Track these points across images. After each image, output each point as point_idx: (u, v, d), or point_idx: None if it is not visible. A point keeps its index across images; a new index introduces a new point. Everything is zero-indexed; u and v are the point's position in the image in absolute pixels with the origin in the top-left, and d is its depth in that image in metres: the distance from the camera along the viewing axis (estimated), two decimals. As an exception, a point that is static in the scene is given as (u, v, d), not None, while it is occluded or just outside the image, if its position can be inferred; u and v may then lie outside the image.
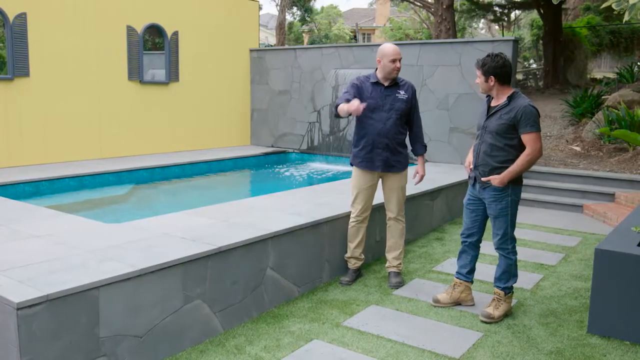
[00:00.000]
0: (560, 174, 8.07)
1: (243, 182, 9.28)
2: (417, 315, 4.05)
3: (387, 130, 4.44)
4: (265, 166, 9.91)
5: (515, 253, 3.97)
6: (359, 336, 3.71)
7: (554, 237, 6.22)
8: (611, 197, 7.41)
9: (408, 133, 4.65)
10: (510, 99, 3.78)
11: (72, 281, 3.00)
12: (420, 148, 4.66)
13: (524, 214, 7.26)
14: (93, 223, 4.44)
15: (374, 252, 5.28)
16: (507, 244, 3.93)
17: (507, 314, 4.02)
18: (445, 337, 3.70)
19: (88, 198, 7.01)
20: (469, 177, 4.06)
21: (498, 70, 3.75)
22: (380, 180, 4.65)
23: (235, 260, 3.85)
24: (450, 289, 4.22)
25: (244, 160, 9.58)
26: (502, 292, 3.98)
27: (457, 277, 4.20)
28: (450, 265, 5.11)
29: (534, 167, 8.29)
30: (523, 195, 7.88)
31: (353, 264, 4.75)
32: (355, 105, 4.04)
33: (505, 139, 3.78)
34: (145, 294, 3.28)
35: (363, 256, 4.78)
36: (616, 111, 9.44)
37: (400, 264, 4.71)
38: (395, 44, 9.24)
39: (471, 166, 4.02)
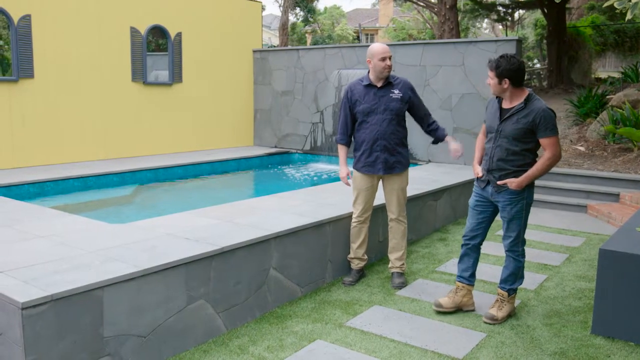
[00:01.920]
0: (564, 174, 8.04)
1: (246, 182, 9.29)
2: (420, 315, 4.05)
3: (384, 132, 4.42)
4: (269, 167, 9.92)
5: (524, 256, 3.93)
6: (362, 336, 3.71)
7: (557, 237, 6.21)
8: (616, 197, 7.39)
9: (422, 128, 4.63)
10: (527, 101, 3.66)
11: (77, 281, 3.01)
12: (442, 131, 4.59)
13: (527, 214, 7.25)
14: (97, 223, 4.46)
15: (377, 253, 5.28)
16: (518, 246, 3.88)
17: (511, 315, 4.00)
18: (449, 337, 3.70)
19: (92, 198, 7.04)
20: (478, 180, 3.96)
21: (512, 73, 3.63)
22: (381, 181, 4.65)
23: (238, 260, 3.85)
24: (453, 293, 4.13)
25: (247, 161, 9.60)
26: (505, 294, 3.96)
27: (459, 281, 4.12)
28: (453, 265, 5.10)
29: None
30: (527, 195, 7.87)
31: (356, 265, 4.75)
32: (343, 177, 4.62)
33: (522, 144, 3.69)
34: (149, 294, 3.29)
35: (366, 257, 4.78)
36: (621, 111, 9.41)
37: (403, 264, 4.71)
38: (398, 44, 9.25)
39: (480, 171, 3.93)
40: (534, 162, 3.74)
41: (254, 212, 4.86)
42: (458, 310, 4.11)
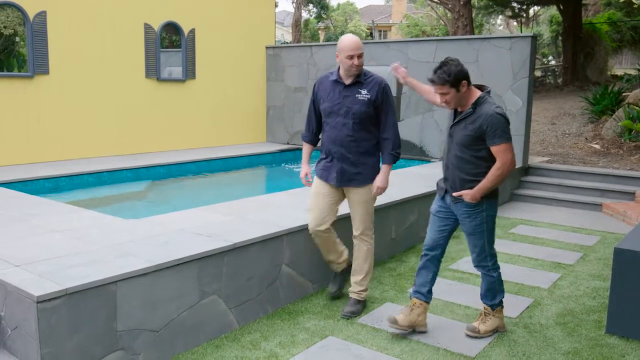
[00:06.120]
0: (579, 172, 7.97)
1: (258, 179, 9.31)
2: (432, 313, 4.03)
3: (342, 139, 3.82)
4: (281, 163, 9.93)
5: (496, 269, 3.60)
6: (374, 333, 3.70)
7: (572, 236, 6.15)
8: (631, 195, 7.30)
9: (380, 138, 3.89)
10: (475, 105, 3.33)
11: (91, 275, 3.04)
12: (386, 157, 3.87)
13: (542, 213, 7.20)
14: (111, 218, 4.49)
15: (389, 250, 5.27)
16: (485, 261, 3.56)
17: (498, 330, 3.72)
18: (461, 335, 3.68)
19: (106, 194, 7.10)
20: (438, 187, 3.66)
21: (465, 73, 3.29)
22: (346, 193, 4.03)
23: (250, 256, 3.87)
24: (408, 310, 3.68)
25: (260, 158, 9.61)
26: (489, 308, 3.68)
27: (416, 297, 3.70)
28: (465, 263, 5.07)
29: (553, 165, 8.20)
30: (541, 193, 7.81)
31: (335, 268, 4.24)
32: (302, 176, 4.14)
33: (471, 151, 3.37)
34: (162, 289, 3.31)
35: (345, 255, 4.20)
36: (637, 108, 9.30)
37: (363, 290, 4.02)
38: (412, 41, 9.19)
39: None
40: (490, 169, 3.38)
41: (266, 208, 4.87)
42: (411, 333, 3.69)
